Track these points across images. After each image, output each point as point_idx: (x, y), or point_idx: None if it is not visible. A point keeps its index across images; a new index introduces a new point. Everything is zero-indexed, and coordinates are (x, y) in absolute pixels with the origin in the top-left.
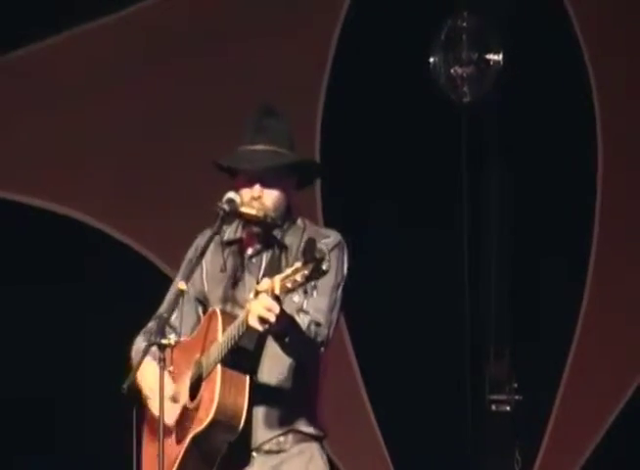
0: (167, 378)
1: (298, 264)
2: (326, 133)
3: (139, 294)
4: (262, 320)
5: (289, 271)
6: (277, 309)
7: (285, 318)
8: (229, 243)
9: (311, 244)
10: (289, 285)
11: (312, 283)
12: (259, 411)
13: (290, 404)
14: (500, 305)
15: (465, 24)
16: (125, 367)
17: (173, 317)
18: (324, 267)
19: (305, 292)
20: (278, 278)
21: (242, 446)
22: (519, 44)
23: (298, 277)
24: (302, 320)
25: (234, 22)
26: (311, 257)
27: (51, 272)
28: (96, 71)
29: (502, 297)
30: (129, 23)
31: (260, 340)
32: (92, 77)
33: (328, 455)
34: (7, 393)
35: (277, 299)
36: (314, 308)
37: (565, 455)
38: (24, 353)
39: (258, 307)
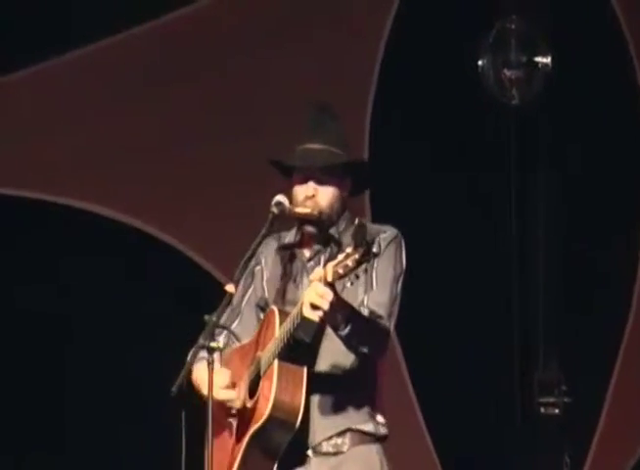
0: (223, 369)
1: (349, 249)
2: (374, 135)
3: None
4: (315, 307)
5: (340, 257)
6: (330, 296)
7: (343, 307)
8: (287, 247)
9: (361, 228)
10: (340, 271)
11: (364, 268)
12: (317, 407)
13: (349, 400)
14: (549, 306)
15: (513, 27)
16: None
17: (234, 325)
18: (374, 250)
19: (354, 279)
20: (330, 265)
21: (299, 443)
22: (567, 47)
23: (350, 262)
24: (363, 313)
25: (281, 19)
26: (361, 240)
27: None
28: (145, 73)
29: (551, 298)
30: (179, 23)
31: (318, 333)
32: (143, 79)
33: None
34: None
35: (330, 286)
36: (374, 302)
37: (614, 458)
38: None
39: (311, 295)
